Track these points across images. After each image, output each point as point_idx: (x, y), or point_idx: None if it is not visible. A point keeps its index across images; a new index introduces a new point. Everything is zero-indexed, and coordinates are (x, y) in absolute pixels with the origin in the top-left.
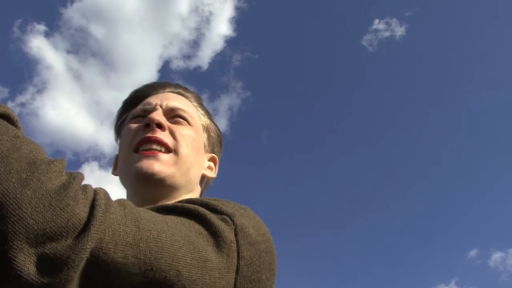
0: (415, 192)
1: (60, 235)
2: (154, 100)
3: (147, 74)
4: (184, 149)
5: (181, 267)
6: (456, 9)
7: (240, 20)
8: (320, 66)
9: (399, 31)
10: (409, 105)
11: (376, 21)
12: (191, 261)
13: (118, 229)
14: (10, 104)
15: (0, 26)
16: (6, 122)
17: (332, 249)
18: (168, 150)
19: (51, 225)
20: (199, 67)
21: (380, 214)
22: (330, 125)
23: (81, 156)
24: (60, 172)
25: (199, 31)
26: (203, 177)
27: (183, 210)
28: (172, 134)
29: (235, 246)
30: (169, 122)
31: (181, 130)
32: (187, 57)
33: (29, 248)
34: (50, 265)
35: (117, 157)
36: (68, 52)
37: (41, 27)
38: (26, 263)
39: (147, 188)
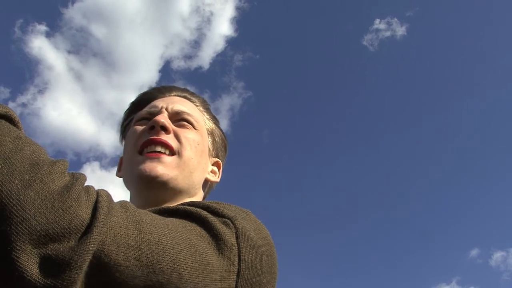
0: (416, 191)
1: (63, 237)
2: (160, 103)
3: (148, 74)
4: (188, 152)
5: (182, 270)
6: (457, 9)
7: (241, 20)
8: (321, 66)
9: (400, 31)
10: (410, 105)
11: (377, 21)
12: (192, 264)
13: (120, 231)
14: (11, 105)
15: (1, 26)
16: (7, 123)
17: (333, 249)
18: (172, 152)
19: (54, 226)
20: (200, 67)
21: (381, 214)
22: (331, 125)
23: (82, 156)
24: (62, 173)
25: (200, 31)
26: (206, 181)
27: (184, 213)
28: (176, 137)
29: (236, 249)
30: (174, 125)
31: (186, 134)
32: (188, 57)
33: (32, 249)
34: (53, 267)
35: (121, 159)
36: (69, 52)
37: (42, 27)
38: (29, 264)
39: (150, 191)
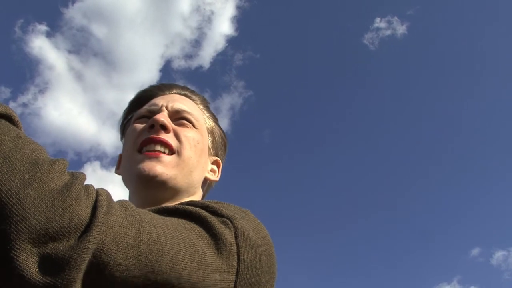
0: (417, 190)
1: (62, 236)
2: (160, 101)
3: (148, 74)
4: (187, 151)
5: (181, 270)
6: (457, 7)
7: (241, 20)
8: (321, 65)
9: (401, 29)
10: (410, 104)
11: (378, 19)
12: (191, 263)
13: (119, 231)
14: (12, 105)
15: (1, 26)
16: (7, 123)
17: (333, 249)
18: (171, 151)
19: (53, 225)
20: (200, 67)
21: (381, 213)
22: (332, 124)
23: (83, 156)
24: (62, 172)
25: (200, 30)
26: (206, 180)
27: (183, 212)
28: (176, 136)
29: (235, 249)
30: (174, 124)
31: (186, 132)
32: (188, 56)
33: (31, 248)
34: (52, 265)
35: (120, 156)
36: (70, 52)
37: (43, 27)
38: (28, 263)
39: (149, 190)
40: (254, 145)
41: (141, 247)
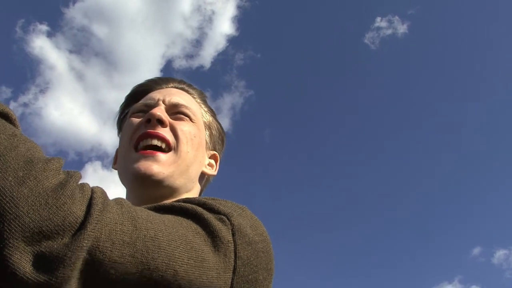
0: (418, 190)
1: (56, 234)
2: (156, 95)
3: (149, 74)
4: (184, 146)
5: (178, 267)
6: (458, 7)
7: (242, 19)
8: (322, 65)
9: (401, 29)
10: (411, 104)
11: (378, 19)
12: (188, 260)
13: (115, 228)
14: (12, 104)
15: (2, 26)
16: (3, 121)
17: (334, 249)
18: (168, 146)
19: (47, 223)
20: (201, 66)
21: (382, 213)
22: (333, 123)
23: (84, 156)
24: (57, 170)
25: (201, 30)
26: (203, 174)
27: (180, 210)
28: (173, 130)
29: (232, 246)
30: (171, 118)
31: (182, 126)
32: (189, 56)
33: (25, 247)
34: (46, 264)
35: (117, 151)
36: (71, 52)
37: (44, 27)
38: (22, 261)
39: (145, 188)
40: (255, 145)
41: (137, 244)
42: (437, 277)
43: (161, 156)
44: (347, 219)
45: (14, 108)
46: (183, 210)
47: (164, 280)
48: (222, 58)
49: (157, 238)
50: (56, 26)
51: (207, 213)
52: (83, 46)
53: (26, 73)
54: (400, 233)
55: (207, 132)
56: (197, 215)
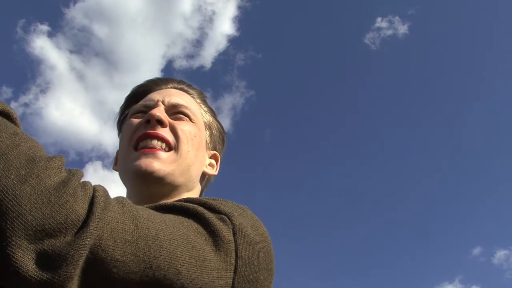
0: (418, 190)
1: (59, 232)
2: (156, 96)
3: (150, 74)
4: (184, 146)
5: (179, 266)
6: (459, 7)
7: (243, 20)
8: (323, 65)
9: (402, 29)
10: (412, 104)
11: (379, 19)
12: (189, 259)
13: (117, 226)
14: (13, 104)
15: (3, 27)
16: (5, 120)
17: (335, 249)
18: (168, 146)
19: (50, 221)
20: (202, 67)
21: (383, 213)
22: (333, 124)
23: (85, 156)
24: (59, 169)
25: (202, 30)
26: (204, 174)
27: (181, 209)
28: (173, 130)
29: (233, 245)
30: (171, 118)
31: (182, 126)
32: (190, 56)
33: (27, 245)
34: (49, 262)
35: (118, 152)
36: (71, 52)
37: (44, 27)
38: (25, 259)
39: (146, 186)
40: (256, 145)
41: (139, 242)
42: (438, 277)
43: (162, 154)
44: (347, 219)
45: (14, 108)
46: (184, 210)
47: (166, 279)
48: (222, 58)
49: (159, 237)
50: (56, 26)
51: (208, 212)
52: (84, 46)
53: (26, 73)
54: (400, 233)
55: (208, 132)
56: (198, 215)
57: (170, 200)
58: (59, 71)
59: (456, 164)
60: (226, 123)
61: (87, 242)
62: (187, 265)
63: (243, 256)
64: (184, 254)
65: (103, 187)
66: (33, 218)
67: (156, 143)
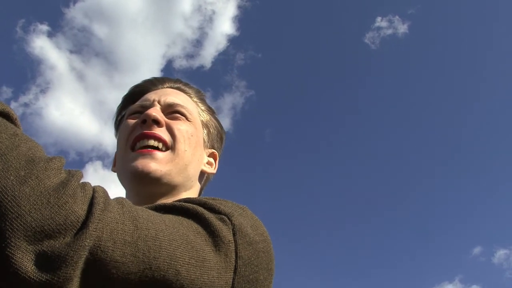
0: (418, 190)
1: (58, 233)
2: (152, 96)
3: (150, 74)
4: (181, 145)
5: (179, 266)
6: (459, 6)
7: (243, 19)
8: (323, 65)
9: (402, 28)
10: (412, 103)
11: (379, 18)
12: (189, 260)
13: (116, 227)
14: (13, 104)
15: (3, 27)
16: (5, 120)
17: (335, 249)
18: (165, 146)
19: (49, 222)
20: (202, 66)
21: (383, 213)
22: (333, 123)
23: (85, 156)
24: (58, 169)
25: (202, 30)
26: (203, 173)
27: (181, 209)
28: (169, 130)
29: (233, 245)
30: (167, 118)
31: (179, 126)
32: (190, 56)
33: (27, 246)
34: (48, 263)
35: (116, 154)
36: (71, 52)
37: (44, 27)
38: (24, 261)
39: (144, 187)
40: (256, 145)
41: (139, 243)
42: (438, 276)
43: (159, 154)
44: (347, 219)
45: (14, 108)
46: (183, 210)
47: (166, 280)
48: (222, 58)
49: (158, 238)
50: (56, 26)
51: (208, 213)
52: (84, 46)
53: (26, 73)
54: (400, 233)
55: (205, 131)
56: (198, 215)
57: (169, 200)
58: (59, 71)
59: (456, 164)
60: (226, 123)
61: (87, 243)
62: (186, 265)
63: (243, 256)
64: (184, 254)
65: (102, 188)
66: (32, 219)
67: (152, 143)
